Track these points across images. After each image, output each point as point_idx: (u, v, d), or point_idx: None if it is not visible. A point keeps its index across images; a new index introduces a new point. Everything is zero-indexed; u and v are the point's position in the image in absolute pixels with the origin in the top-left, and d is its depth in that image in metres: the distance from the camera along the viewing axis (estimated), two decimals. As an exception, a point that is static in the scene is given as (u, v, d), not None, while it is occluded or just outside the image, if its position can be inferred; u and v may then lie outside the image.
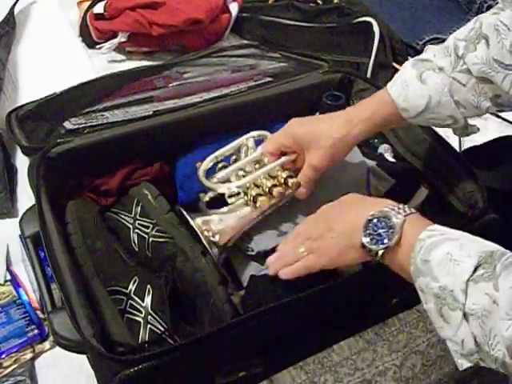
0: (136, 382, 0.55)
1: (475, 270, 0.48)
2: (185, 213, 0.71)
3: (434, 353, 0.76)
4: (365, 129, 0.72)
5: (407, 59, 1.10)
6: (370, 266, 0.70)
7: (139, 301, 0.65)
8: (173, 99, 0.94)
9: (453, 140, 0.99)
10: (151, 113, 0.89)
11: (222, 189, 0.74)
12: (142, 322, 0.64)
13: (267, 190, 0.73)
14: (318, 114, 0.90)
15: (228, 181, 0.76)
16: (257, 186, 0.74)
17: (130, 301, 0.65)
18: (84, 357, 0.65)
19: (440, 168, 0.81)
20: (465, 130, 0.72)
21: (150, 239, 0.73)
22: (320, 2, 1.22)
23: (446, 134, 0.83)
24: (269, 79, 1.01)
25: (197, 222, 0.70)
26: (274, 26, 1.20)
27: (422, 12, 1.22)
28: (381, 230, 0.57)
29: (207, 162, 0.77)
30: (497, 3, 1.19)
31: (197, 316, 0.68)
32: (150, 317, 0.64)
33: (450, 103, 0.67)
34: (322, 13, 1.18)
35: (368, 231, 0.58)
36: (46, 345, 0.73)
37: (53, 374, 0.71)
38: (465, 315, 0.48)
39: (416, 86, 0.68)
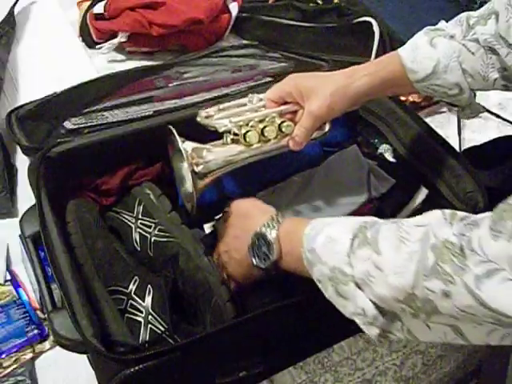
0: (136, 381, 0.55)
1: (352, 241, 0.53)
2: (176, 135, 0.69)
3: (435, 352, 0.76)
4: (368, 83, 0.71)
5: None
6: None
7: (140, 301, 0.65)
8: (173, 99, 0.94)
9: (453, 140, 0.99)
10: (151, 113, 0.89)
11: (218, 125, 0.72)
12: (142, 321, 0.64)
13: (259, 130, 0.71)
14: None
15: None
16: (251, 126, 0.72)
17: (131, 301, 0.65)
18: (84, 357, 0.65)
19: (440, 168, 0.81)
20: (468, 107, 0.72)
21: (152, 239, 0.73)
22: (320, 2, 1.22)
23: (446, 134, 0.83)
24: (269, 79, 1.01)
25: (185, 146, 0.69)
26: (274, 25, 1.20)
27: (422, 12, 1.22)
28: (263, 248, 0.63)
29: (210, 109, 0.75)
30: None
31: (198, 315, 0.68)
32: (150, 317, 0.64)
33: (458, 69, 0.68)
34: (322, 13, 1.18)
35: (254, 252, 0.64)
36: (46, 345, 0.73)
37: (53, 373, 0.71)
38: (357, 285, 0.52)
39: (426, 48, 0.69)
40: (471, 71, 0.68)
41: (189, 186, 0.69)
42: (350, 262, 0.52)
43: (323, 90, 0.70)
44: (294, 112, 0.74)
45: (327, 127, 0.76)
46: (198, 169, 0.68)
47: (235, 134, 0.71)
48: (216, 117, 0.73)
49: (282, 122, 0.71)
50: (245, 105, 0.76)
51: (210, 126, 0.73)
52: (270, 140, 0.72)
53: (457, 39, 0.68)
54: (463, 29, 0.68)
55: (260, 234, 0.63)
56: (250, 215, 0.68)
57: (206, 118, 0.74)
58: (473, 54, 0.67)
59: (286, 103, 0.74)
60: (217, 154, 0.70)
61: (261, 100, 0.76)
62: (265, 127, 0.71)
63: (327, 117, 0.72)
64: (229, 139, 0.72)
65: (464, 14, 0.70)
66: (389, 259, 0.50)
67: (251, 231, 0.65)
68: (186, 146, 0.69)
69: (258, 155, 0.73)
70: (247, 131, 0.70)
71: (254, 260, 0.64)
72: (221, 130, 0.72)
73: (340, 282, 0.53)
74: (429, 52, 0.69)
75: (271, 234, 0.62)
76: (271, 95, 0.74)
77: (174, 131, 0.70)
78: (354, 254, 0.52)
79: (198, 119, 0.75)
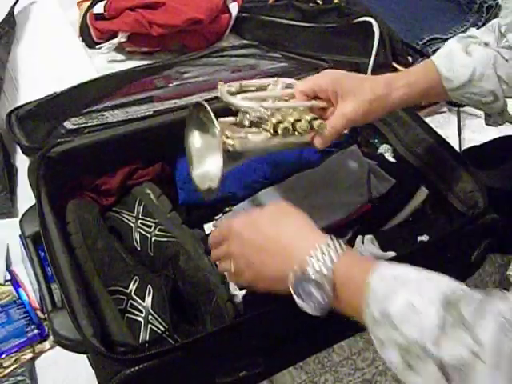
0: (136, 381, 0.55)
1: (442, 318, 0.45)
2: (211, 112, 0.62)
3: (434, 353, 0.76)
4: (405, 94, 0.69)
5: (407, 59, 1.11)
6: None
7: (140, 301, 0.65)
8: (173, 99, 0.94)
9: (453, 140, 0.99)
10: (151, 113, 0.89)
11: (247, 105, 0.67)
12: (142, 321, 0.64)
13: (290, 123, 0.66)
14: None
15: None
16: (282, 116, 0.67)
17: (131, 301, 0.65)
18: (84, 357, 0.65)
19: (440, 168, 0.81)
20: (500, 116, 0.72)
21: (153, 238, 0.73)
22: (320, 2, 1.22)
23: (446, 134, 0.83)
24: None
25: (220, 121, 0.63)
26: (274, 25, 1.20)
27: (422, 12, 1.22)
28: (311, 288, 0.52)
29: (231, 86, 0.70)
30: (497, 3, 1.20)
31: (198, 315, 0.68)
32: (150, 316, 0.64)
33: (494, 77, 0.68)
34: (322, 13, 1.18)
35: (298, 289, 0.53)
36: (46, 345, 0.73)
37: (53, 374, 0.71)
38: (441, 368, 0.45)
39: (461, 56, 0.69)
40: (506, 78, 0.68)
41: (215, 165, 0.63)
42: (437, 341, 0.45)
43: (361, 95, 0.68)
44: (323, 108, 0.71)
45: (346, 130, 0.73)
46: (232, 147, 0.62)
47: (264, 120, 0.66)
48: (240, 97, 0.68)
49: (314, 119, 0.67)
50: (267, 86, 0.72)
51: (234, 106, 0.68)
52: (295, 133, 0.67)
53: (491, 46, 0.69)
54: (496, 36, 0.69)
55: (307, 271, 0.52)
56: (293, 233, 0.57)
57: (230, 94, 0.69)
58: (507, 60, 0.67)
59: (315, 97, 0.70)
60: (253, 137, 0.65)
61: (286, 87, 0.72)
62: (296, 121, 0.66)
63: (360, 123, 0.71)
64: (253, 128, 0.67)
65: (494, 22, 0.70)
66: (491, 353, 0.43)
67: (291, 255, 0.54)
68: (221, 122, 0.63)
69: (281, 146, 0.68)
70: (279, 121, 0.66)
71: (297, 300, 0.53)
72: (252, 115, 0.66)
73: (417, 357, 0.46)
74: (464, 60, 0.69)
75: (322, 274, 0.51)
76: (304, 87, 0.71)
77: (206, 105, 0.63)
78: (444, 333, 0.45)
79: (219, 95, 0.69)
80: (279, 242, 0.56)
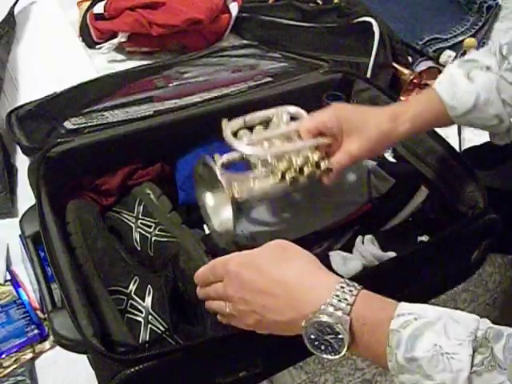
0: (136, 381, 0.55)
1: (473, 359, 0.43)
2: (217, 173, 0.65)
3: (434, 353, 0.76)
4: (411, 127, 0.70)
5: (407, 59, 1.11)
6: (370, 267, 0.70)
7: (140, 301, 0.65)
8: (173, 99, 0.94)
9: (453, 140, 0.99)
10: (151, 113, 0.89)
11: (252, 152, 0.68)
12: (142, 321, 0.64)
13: (297, 167, 0.67)
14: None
15: None
16: (289, 161, 0.68)
17: (131, 301, 0.65)
18: (84, 357, 0.65)
19: (440, 168, 0.81)
20: (507, 134, 0.71)
21: (153, 238, 0.73)
22: (320, 2, 1.22)
23: (446, 134, 0.83)
24: (269, 79, 1.01)
25: (225, 177, 0.65)
26: (274, 26, 1.20)
27: (422, 12, 1.22)
28: (328, 337, 0.49)
29: (235, 123, 0.72)
30: (497, 3, 1.20)
31: (199, 315, 0.68)
32: (150, 317, 0.64)
33: (498, 101, 0.67)
34: (322, 13, 1.18)
35: (311, 339, 0.50)
36: (46, 345, 0.73)
37: (53, 374, 0.70)
38: None
39: (464, 83, 0.68)
40: (510, 101, 0.67)
41: (228, 214, 0.66)
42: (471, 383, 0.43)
43: (365, 132, 0.68)
44: (329, 144, 0.71)
45: None
46: (241, 198, 0.65)
47: (271, 165, 0.68)
48: (246, 140, 0.70)
49: (321, 159, 0.68)
50: (271, 119, 0.74)
51: (240, 151, 0.69)
52: (302, 178, 0.68)
53: (493, 70, 0.68)
54: (497, 59, 0.68)
55: (323, 319, 0.48)
56: (299, 275, 0.52)
57: (233, 135, 0.71)
58: (510, 84, 0.67)
59: (321, 133, 0.70)
60: (260, 184, 0.67)
61: (291, 117, 0.74)
62: (303, 166, 0.67)
63: (365, 158, 0.72)
64: (263, 170, 0.68)
65: (494, 44, 0.70)
66: None
67: (300, 300, 0.50)
68: (227, 175, 0.66)
69: (289, 190, 0.70)
70: (286, 169, 0.67)
71: (310, 347, 0.50)
72: (256, 161, 0.68)
73: None
74: (468, 87, 0.68)
75: (340, 321, 0.47)
76: (309, 125, 0.70)
77: (211, 161, 0.65)
78: (478, 376, 0.43)
79: (224, 135, 0.70)
80: (284, 285, 0.52)
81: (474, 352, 0.44)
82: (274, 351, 0.69)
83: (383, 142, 0.70)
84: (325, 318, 0.48)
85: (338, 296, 0.49)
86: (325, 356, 0.50)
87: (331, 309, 0.48)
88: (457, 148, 0.97)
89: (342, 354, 0.49)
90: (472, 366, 0.43)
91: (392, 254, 0.71)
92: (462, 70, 0.69)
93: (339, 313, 0.48)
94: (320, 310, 0.48)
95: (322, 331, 0.48)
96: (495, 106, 0.67)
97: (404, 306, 0.48)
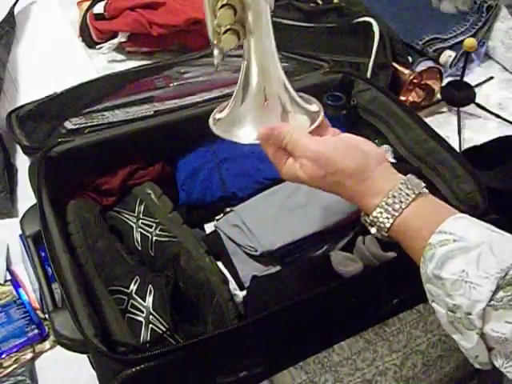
0: (137, 381, 0.55)
1: (494, 295, 0.45)
2: None
3: (435, 352, 0.76)
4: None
5: (407, 59, 1.11)
6: (371, 268, 0.70)
7: (141, 300, 0.65)
8: (173, 99, 0.94)
9: (453, 140, 0.99)
10: (152, 113, 0.89)
11: None
12: (143, 321, 0.64)
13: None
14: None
15: None
16: None
17: (132, 300, 0.65)
18: (84, 356, 0.65)
19: (440, 168, 0.81)
20: None
21: (154, 238, 0.73)
22: (320, 2, 1.22)
23: (446, 134, 0.83)
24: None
25: None
26: (273, 26, 1.19)
27: (422, 12, 1.22)
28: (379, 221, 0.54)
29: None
30: (497, 3, 1.20)
31: (199, 315, 0.68)
32: (151, 316, 0.64)
33: None
34: (322, 13, 1.18)
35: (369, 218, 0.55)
36: (46, 345, 0.73)
37: (53, 373, 0.71)
38: (484, 340, 0.46)
39: None
40: None
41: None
42: (484, 315, 0.45)
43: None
44: None
45: None
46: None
47: None
48: None
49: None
50: None
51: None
52: None
53: None
54: None
55: (374, 217, 0.54)
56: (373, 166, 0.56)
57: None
58: None
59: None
60: None
61: None
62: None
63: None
64: None
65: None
66: None
67: (368, 189, 0.55)
68: None
69: None
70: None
71: (369, 228, 0.56)
72: None
73: (461, 323, 0.47)
74: None
75: (387, 219, 0.53)
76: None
77: None
78: (494, 310, 0.45)
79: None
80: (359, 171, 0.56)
81: (497, 288, 0.45)
82: (275, 351, 0.69)
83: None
84: (378, 211, 0.53)
85: (394, 196, 0.53)
86: (378, 235, 0.55)
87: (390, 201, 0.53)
88: (457, 148, 0.97)
89: (385, 236, 0.55)
90: (491, 299, 0.45)
91: (392, 254, 0.71)
92: None
93: (387, 214, 0.53)
94: (375, 205, 0.54)
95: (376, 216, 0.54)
96: None
97: (448, 224, 0.50)
